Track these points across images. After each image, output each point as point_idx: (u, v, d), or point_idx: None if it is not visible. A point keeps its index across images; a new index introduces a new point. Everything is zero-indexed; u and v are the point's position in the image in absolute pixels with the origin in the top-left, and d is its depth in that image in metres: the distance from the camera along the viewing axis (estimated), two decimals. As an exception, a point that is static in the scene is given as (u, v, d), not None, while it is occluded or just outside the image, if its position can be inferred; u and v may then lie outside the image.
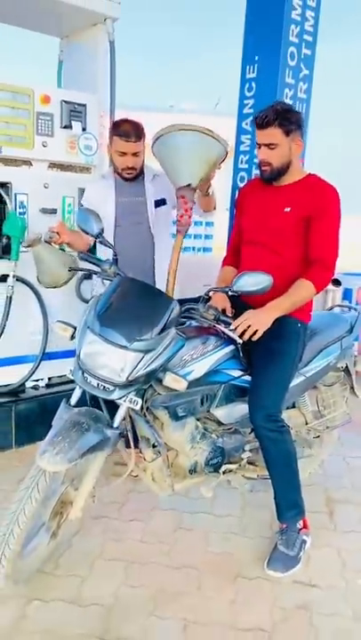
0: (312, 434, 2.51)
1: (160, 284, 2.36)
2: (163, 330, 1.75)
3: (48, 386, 3.17)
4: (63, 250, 2.55)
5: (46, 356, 3.07)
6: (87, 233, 2.12)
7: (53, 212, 3.00)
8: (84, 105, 3.04)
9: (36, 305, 3.03)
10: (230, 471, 2.20)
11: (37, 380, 3.14)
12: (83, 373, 1.75)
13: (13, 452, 2.93)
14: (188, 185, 2.18)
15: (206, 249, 9.11)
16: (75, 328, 1.87)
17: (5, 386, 3.02)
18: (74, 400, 1.85)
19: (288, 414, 2.37)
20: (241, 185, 3.39)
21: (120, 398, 1.74)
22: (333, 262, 2.09)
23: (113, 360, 1.68)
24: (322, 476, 2.80)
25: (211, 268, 2.85)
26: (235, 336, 1.92)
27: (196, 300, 1.94)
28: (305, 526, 2.17)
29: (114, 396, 1.72)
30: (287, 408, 2.36)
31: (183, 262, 2.53)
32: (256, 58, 3.29)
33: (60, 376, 3.19)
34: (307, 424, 2.48)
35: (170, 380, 1.78)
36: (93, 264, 2.11)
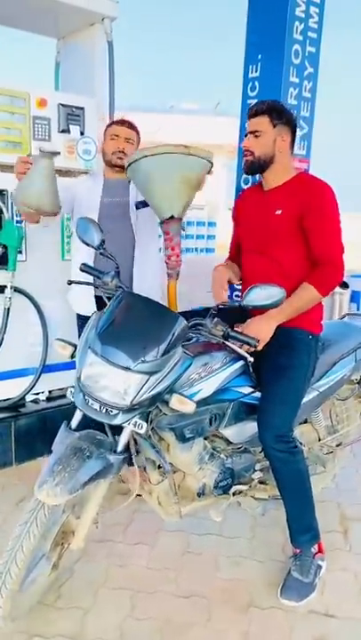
0: (325, 450, 2.40)
1: (138, 289, 2.31)
2: (169, 349, 1.63)
3: (49, 399, 3.06)
4: None
5: (46, 368, 2.96)
6: (87, 244, 2.00)
7: (52, 219, 2.89)
8: (82, 108, 2.94)
9: (35, 316, 2.92)
10: (240, 492, 2.09)
11: (38, 394, 3.04)
12: (84, 396, 1.63)
13: (13, 469, 2.83)
14: (172, 217, 2.00)
15: (209, 250, 8.99)
16: (75, 346, 1.76)
17: (5, 400, 2.92)
18: (74, 423, 1.73)
19: (300, 430, 2.27)
20: (244, 186, 3.29)
21: (124, 423, 1.62)
22: (340, 260, 1.98)
23: (116, 382, 1.57)
24: (334, 491, 2.68)
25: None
26: (245, 354, 1.79)
27: (203, 315, 1.82)
28: (320, 550, 2.05)
29: (117, 421, 1.61)
30: (299, 424, 2.25)
31: (186, 263, 2.45)
32: (259, 56, 3.20)
33: (62, 389, 3.09)
34: (320, 440, 2.37)
35: (176, 402, 1.66)
36: (93, 276, 1.99)
